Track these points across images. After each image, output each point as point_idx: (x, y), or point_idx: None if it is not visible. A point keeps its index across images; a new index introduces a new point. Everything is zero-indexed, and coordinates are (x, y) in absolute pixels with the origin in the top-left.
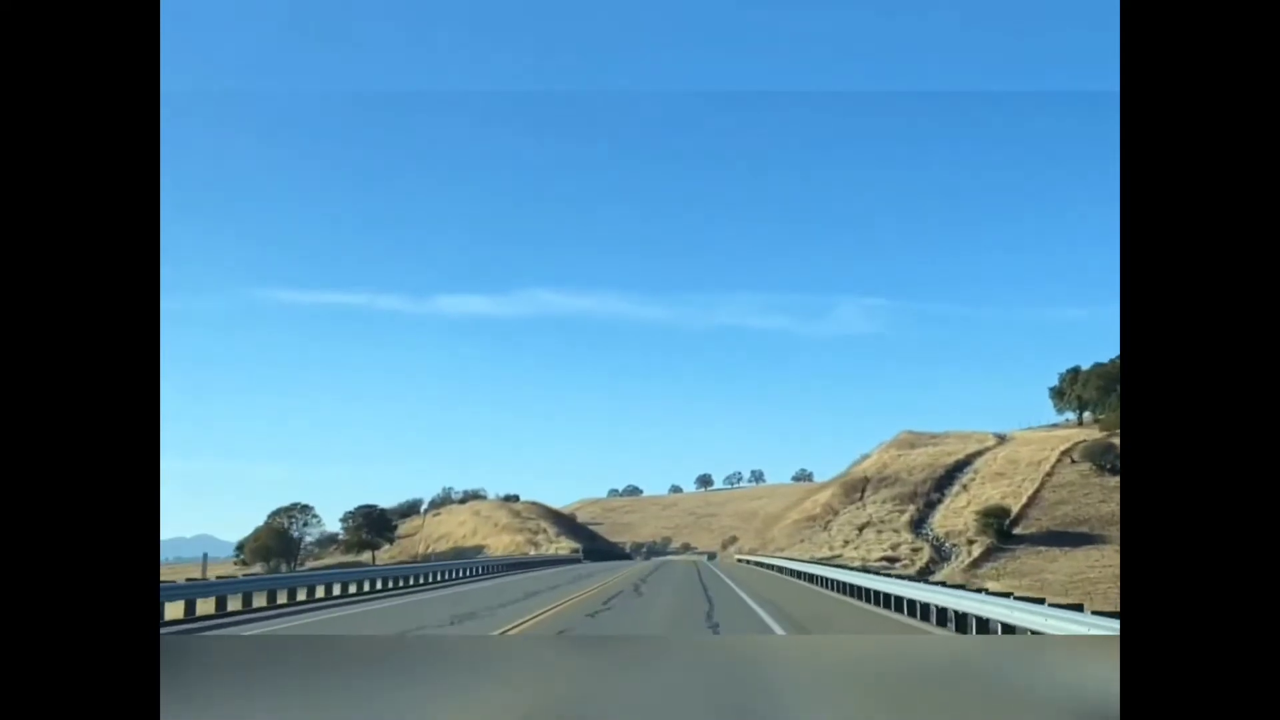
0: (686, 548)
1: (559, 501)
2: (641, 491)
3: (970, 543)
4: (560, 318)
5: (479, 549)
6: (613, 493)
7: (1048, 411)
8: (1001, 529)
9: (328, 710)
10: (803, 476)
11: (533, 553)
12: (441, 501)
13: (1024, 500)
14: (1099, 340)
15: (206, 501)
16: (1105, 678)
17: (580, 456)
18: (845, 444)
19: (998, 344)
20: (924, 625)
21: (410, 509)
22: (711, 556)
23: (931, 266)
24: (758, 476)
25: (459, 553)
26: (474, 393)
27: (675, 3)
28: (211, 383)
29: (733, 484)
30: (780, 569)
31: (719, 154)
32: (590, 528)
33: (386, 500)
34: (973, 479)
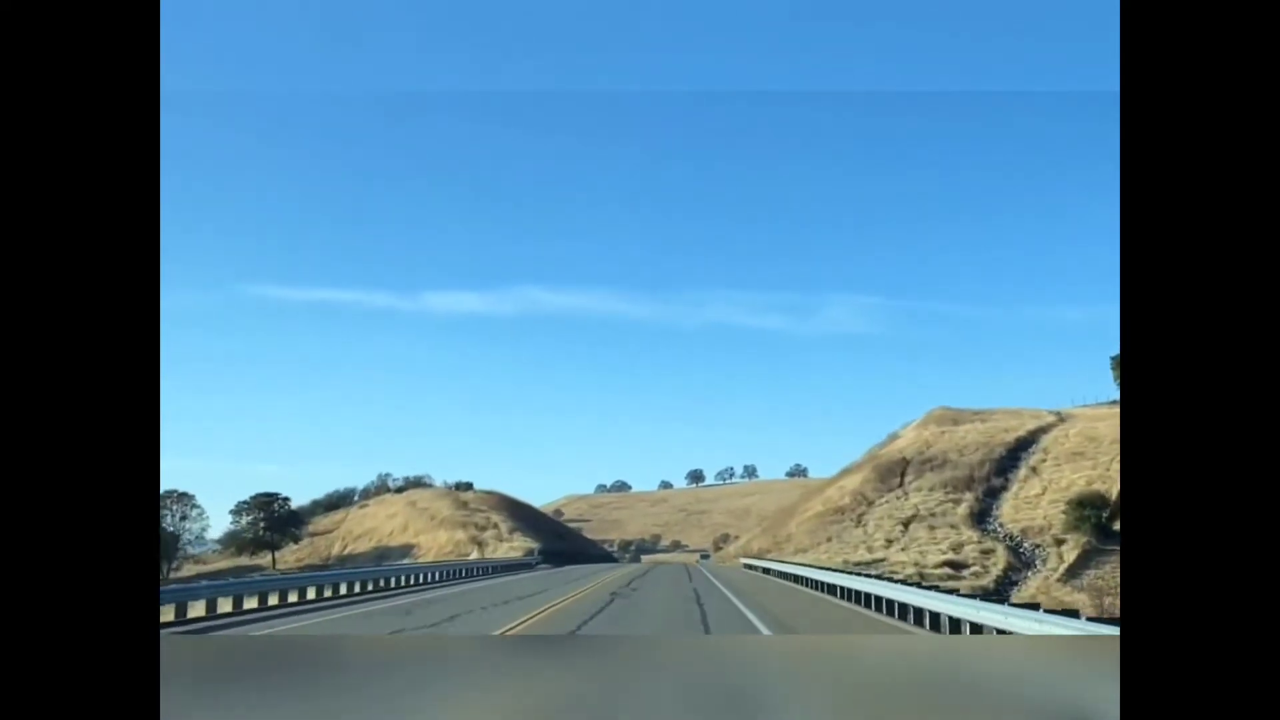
0: (677, 545)
1: (544, 498)
2: (630, 487)
3: (1059, 542)
4: (551, 315)
5: (408, 548)
6: (600, 488)
7: (1083, 396)
8: (1100, 523)
9: (328, 710)
10: (797, 472)
11: (474, 555)
12: (376, 490)
13: (1118, 486)
14: (1096, 339)
15: (200, 500)
16: (1105, 678)
17: (568, 452)
18: (842, 440)
19: (993, 340)
20: None
21: (341, 500)
22: (705, 556)
23: (924, 264)
24: (751, 472)
25: (382, 553)
26: (461, 389)
27: (670, 2)
28: (201, 379)
29: (725, 479)
30: (815, 583)
31: (712, 152)
32: (574, 524)
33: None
34: (1043, 461)
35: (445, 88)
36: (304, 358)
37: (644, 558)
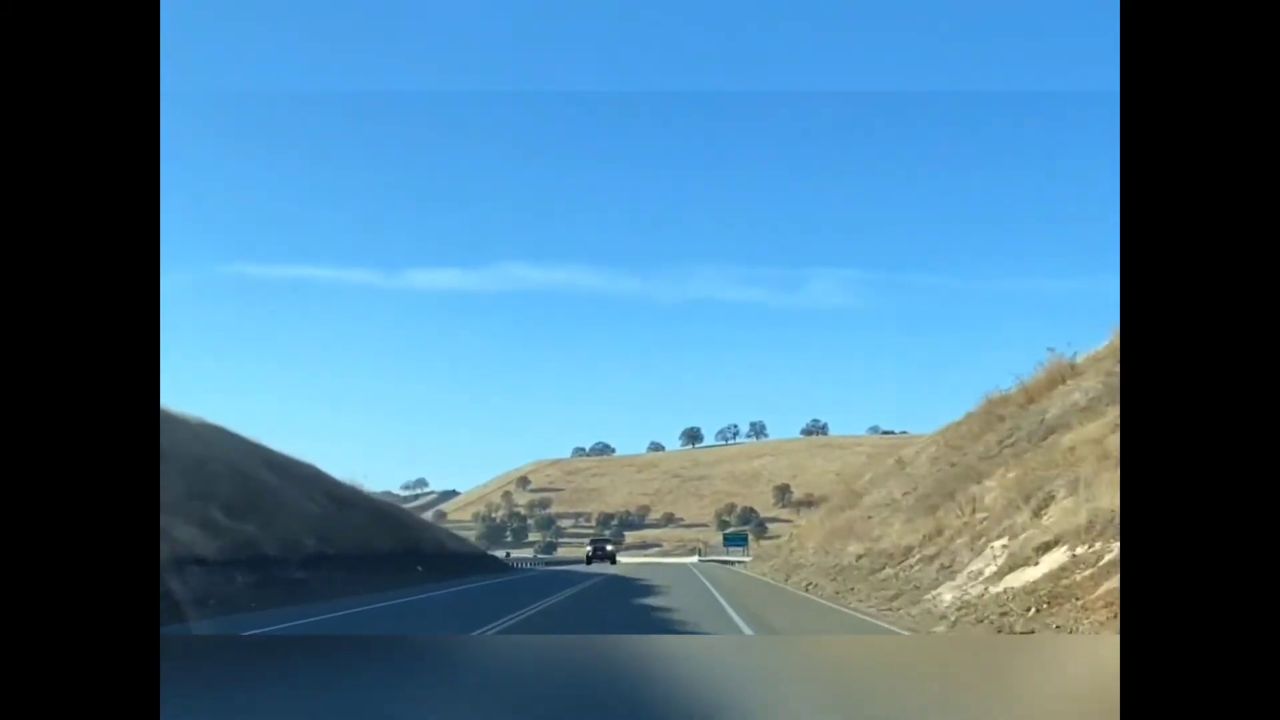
0: (670, 519)
1: (512, 464)
2: (614, 450)
3: None
4: (535, 291)
5: None
6: (578, 452)
7: None
8: None
9: (328, 709)
10: (815, 429)
11: None
12: None
13: None
14: (1093, 313)
15: None
16: (1105, 677)
17: (545, 415)
18: (867, 395)
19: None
20: None
21: None
22: (736, 541)
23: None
24: (758, 430)
25: None
26: (437, 363)
27: None
28: (186, 364)
29: (727, 439)
30: None
31: (702, 141)
32: (543, 494)
33: None
34: None
35: (434, 78)
36: (280, 339)
37: (627, 534)
